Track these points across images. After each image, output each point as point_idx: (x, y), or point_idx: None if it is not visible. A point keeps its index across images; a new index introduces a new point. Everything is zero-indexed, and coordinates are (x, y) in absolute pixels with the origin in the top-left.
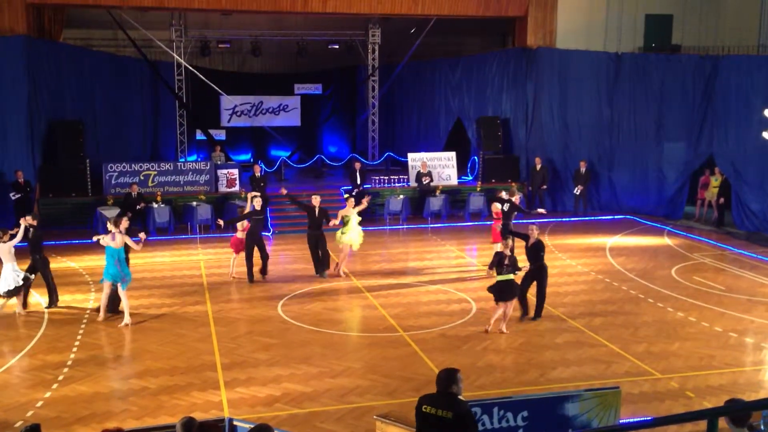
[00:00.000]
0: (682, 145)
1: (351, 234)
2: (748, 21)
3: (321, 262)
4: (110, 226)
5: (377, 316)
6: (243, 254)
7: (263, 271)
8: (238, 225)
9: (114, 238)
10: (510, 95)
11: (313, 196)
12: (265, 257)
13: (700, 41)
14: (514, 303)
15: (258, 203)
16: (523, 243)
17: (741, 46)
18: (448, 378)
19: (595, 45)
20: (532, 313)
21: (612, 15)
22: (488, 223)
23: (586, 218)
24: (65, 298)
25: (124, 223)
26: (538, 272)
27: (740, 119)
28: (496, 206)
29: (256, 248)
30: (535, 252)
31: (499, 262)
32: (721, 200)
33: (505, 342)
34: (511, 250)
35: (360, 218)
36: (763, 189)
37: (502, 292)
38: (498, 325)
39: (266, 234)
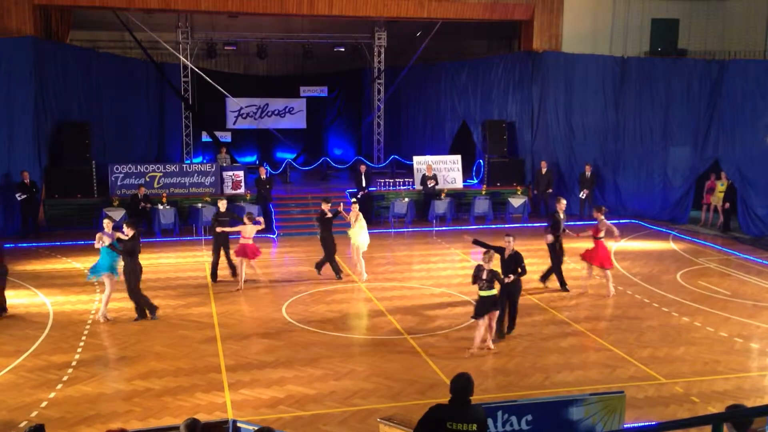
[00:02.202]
0: (688, 149)
1: (356, 236)
2: (754, 25)
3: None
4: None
5: (382, 318)
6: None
7: (232, 273)
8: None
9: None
10: (516, 98)
11: (323, 203)
12: (230, 265)
13: (706, 46)
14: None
15: (222, 205)
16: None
17: (747, 50)
18: (469, 386)
19: (601, 49)
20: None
21: (618, 19)
22: (493, 226)
23: (592, 222)
24: (70, 298)
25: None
26: (513, 286)
27: (746, 124)
28: (606, 223)
29: (222, 249)
30: (512, 264)
31: (477, 276)
32: (727, 205)
33: (510, 346)
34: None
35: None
36: None
37: (479, 307)
38: (484, 344)
39: (271, 236)
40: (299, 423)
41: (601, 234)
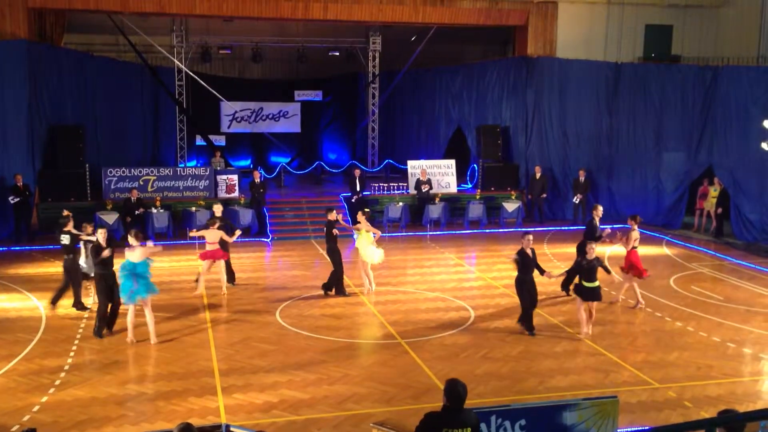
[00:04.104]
0: (681, 154)
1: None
2: (747, 32)
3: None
4: (131, 240)
5: (375, 323)
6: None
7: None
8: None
9: (133, 251)
10: (510, 103)
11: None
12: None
13: (699, 52)
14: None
15: (218, 210)
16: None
17: (740, 57)
18: (464, 393)
19: (595, 54)
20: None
21: (612, 25)
22: (487, 231)
23: (585, 227)
24: (63, 302)
25: (89, 229)
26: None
27: (739, 130)
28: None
29: None
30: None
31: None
32: (720, 210)
33: (504, 350)
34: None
35: (369, 233)
36: (761, 199)
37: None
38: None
39: (265, 240)
40: (293, 428)
41: (635, 244)
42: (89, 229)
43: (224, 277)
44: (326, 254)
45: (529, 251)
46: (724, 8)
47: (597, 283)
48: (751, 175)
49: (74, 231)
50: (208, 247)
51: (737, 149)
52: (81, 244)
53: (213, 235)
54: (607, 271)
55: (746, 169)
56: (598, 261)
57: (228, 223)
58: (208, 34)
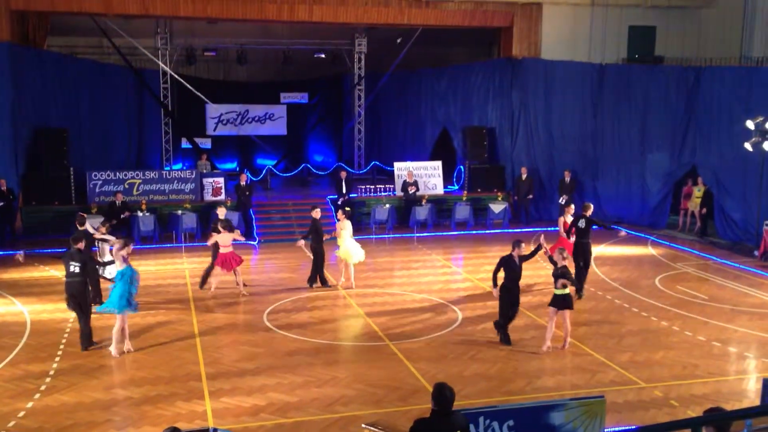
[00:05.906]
0: (666, 155)
1: (345, 247)
2: (729, 32)
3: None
4: (117, 252)
5: (363, 325)
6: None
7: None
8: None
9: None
10: (495, 105)
11: (314, 210)
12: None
13: (683, 52)
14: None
15: (222, 212)
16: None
17: (723, 57)
18: (452, 397)
19: (579, 56)
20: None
21: (596, 26)
22: (473, 232)
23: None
24: (48, 307)
25: (103, 229)
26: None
27: (722, 130)
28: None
29: None
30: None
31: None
32: (704, 210)
33: (491, 351)
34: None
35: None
36: (745, 199)
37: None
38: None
39: (252, 243)
40: (281, 431)
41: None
42: (103, 229)
43: (240, 278)
44: (310, 251)
45: (517, 260)
46: (707, 9)
47: (568, 291)
48: (734, 175)
49: (90, 229)
50: (223, 251)
51: (720, 149)
52: (98, 245)
53: (227, 239)
54: (572, 283)
55: (730, 169)
56: (566, 269)
57: (229, 225)
58: (192, 36)
